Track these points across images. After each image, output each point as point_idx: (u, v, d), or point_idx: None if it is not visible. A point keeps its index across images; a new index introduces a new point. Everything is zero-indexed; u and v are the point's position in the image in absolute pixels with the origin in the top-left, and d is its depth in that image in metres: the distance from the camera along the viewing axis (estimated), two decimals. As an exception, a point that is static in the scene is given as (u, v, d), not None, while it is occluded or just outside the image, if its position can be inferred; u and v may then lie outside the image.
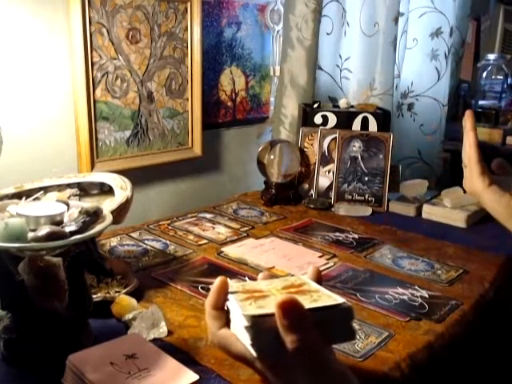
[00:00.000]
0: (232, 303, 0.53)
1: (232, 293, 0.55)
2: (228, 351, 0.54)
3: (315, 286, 0.56)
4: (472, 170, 0.80)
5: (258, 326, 0.48)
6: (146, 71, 1.29)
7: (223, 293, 0.55)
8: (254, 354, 0.49)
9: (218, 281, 0.56)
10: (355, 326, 0.52)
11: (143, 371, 0.65)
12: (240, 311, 0.49)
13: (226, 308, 0.55)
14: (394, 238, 1.21)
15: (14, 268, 0.67)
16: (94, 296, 0.80)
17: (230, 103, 1.57)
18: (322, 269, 0.97)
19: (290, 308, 0.46)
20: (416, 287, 0.96)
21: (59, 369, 0.65)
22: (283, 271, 1.00)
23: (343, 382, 0.49)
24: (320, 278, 0.59)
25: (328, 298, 0.52)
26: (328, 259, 1.08)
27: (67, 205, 0.73)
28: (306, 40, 1.54)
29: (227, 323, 0.55)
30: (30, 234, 0.64)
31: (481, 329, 0.91)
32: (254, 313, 0.49)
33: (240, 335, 0.51)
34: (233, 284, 0.57)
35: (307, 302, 0.49)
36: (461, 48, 2.02)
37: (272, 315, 0.47)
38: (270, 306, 0.49)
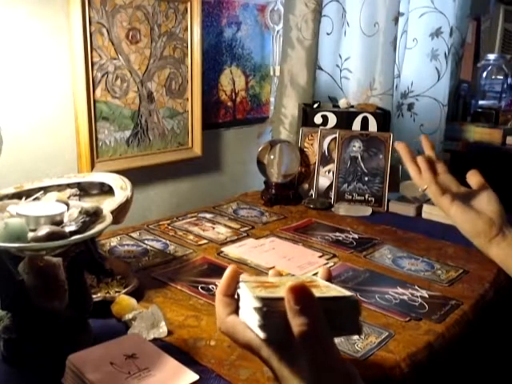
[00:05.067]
0: (243, 289, 0.54)
1: (243, 281, 0.56)
2: (235, 338, 0.55)
3: (325, 283, 0.57)
4: (432, 191, 0.80)
5: (267, 307, 0.49)
6: (145, 71, 1.29)
7: (234, 280, 0.56)
8: (261, 335, 0.49)
9: (229, 269, 0.56)
10: (361, 321, 0.52)
11: (143, 371, 0.65)
12: (250, 294, 0.50)
13: (236, 296, 0.56)
14: (394, 238, 1.21)
15: (14, 268, 0.67)
16: (94, 296, 0.80)
17: (229, 103, 1.57)
18: (322, 269, 0.97)
19: (300, 292, 0.47)
20: (416, 287, 0.96)
21: (59, 369, 0.65)
22: (283, 271, 1.00)
23: (346, 370, 0.49)
24: (330, 279, 0.60)
25: (337, 292, 0.53)
26: (328, 259, 1.08)
27: (67, 205, 0.73)
28: (305, 40, 1.54)
29: (236, 311, 0.55)
30: (30, 234, 0.64)
31: (481, 329, 0.91)
32: (264, 295, 0.49)
33: (248, 319, 0.52)
34: (244, 276, 0.58)
35: (316, 294, 0.50)
36: (461, 48, 2.02)
37: (281, 299, 0.48)
38: (279, 293, 0.50)
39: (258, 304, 0.49)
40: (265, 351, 0.51)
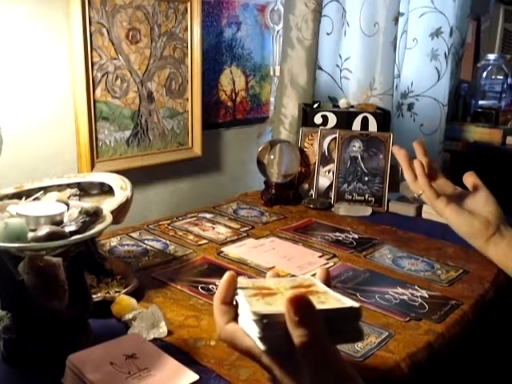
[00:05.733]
0: (240, 298, 0.54)
1: (241, 288, 0.55)
2: (235, 346, 0.54)
3: (323, 287, 0.56)
4: (427, 195, 0.81)
5: (267, 320, 0.48)
6: (145, 71, 1.29)
7: (232, 287, 0.55)
8: (261, 347, 0.49)
9: (226, 275, 0.56)
10: (362, 327, 0.52)
11: (143, 371, 0.65)
12: (248, 307, 0.50)
13: (234, 303, 0.56)
14: (394, 238, 1.21)
15: (14, 268, 0.67)
16: (93, 296, 0.80)
17: (229, 103, 1.57)
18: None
19: (300, 303, 0.47)
20: (416, 287, 0.96)
21: (59, 369, 0.65)
22: (283, 271, 1.00)
23: (349, 381, 0.49)
24: (329, 280, 0.60)
25: (336, 301, 0.52)
26: (328, 259, 1.08)
27: (67, 205, 0.73)
28: (306, 40, 1.54)
29: (235, 318, 0.55)
30: (30, 234, 0.64)
31: (481, 329, 0.91)
32: (262, 309, 0.49)
33: (248, 329, 0.51)
34: (241, 280, 0.57)
35: (315, 303, 0.50)
36: (461, 48, 2.02)
37: (280, 314, 0.48)
38: (277, 304, 0.50)
39: (256, 317, 0.48)
40: (266, 360, 0.51)
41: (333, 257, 1.09)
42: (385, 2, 1.63)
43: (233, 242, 1.16)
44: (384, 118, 1.49)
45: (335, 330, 0.49)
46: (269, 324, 0.48)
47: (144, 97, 1.30)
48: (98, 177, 1.01)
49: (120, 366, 0.65)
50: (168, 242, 1.15)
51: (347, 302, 0.51)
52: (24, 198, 0.84)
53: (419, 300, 0.91)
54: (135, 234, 1.18)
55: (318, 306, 0.49)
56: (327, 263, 1.05)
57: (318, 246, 1.15)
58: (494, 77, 2.45)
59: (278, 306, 0.49)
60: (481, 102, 2.42)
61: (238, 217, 1.33)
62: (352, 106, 1.57)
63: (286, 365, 0.50)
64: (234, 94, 1.58)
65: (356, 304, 0.51)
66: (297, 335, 0.46)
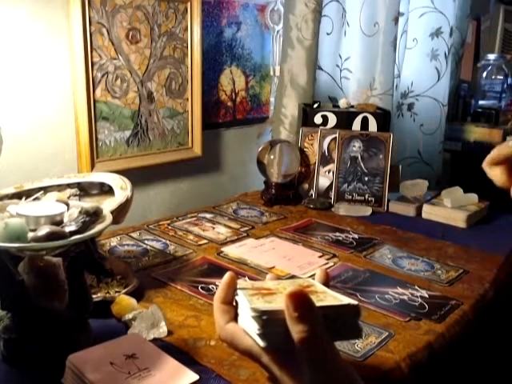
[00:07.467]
0: (240, 297, 0.54)
1: (240, 289, 0.56)
2: (234, 345, 0.55)
3: (322, 288, 0.57)
4: None
5: (266, 316, 0.49)
6: (146, 71, 1.29)
7: (232, 288, 0.56)
8: (260, 343, 0.49)
9: (226, 276, 0.56)
10: (360, 324, 0.52)
11: (143, 371, 0.65)
12: (248, 305, 0.50)
13: (234, 303, 0.56)
14: (394, 238, 1.21)
15: (14, 268, 0.67)
16: (93, 296, 0.80)
17: (230, 103, 1.57)
18: (322, 269, 0.97)
19: (299, 299, 0.47)
20: (416, 287, 0.96)
21: (59, 369, 0.65)
22: (283, 271, 1.00)
23: (347, 377, 0.49)
24: (328, 281, 0.60)
25: (333, 299, 0.52)
26: (328, 259, 1.08)
27: (67, 205, 0.73)
28: (305, 40, 1.54)
29: (235, 318, 0.55)
30: (30, 234, 0.64)
31: (481, 329, 0.91)
32: (262, 306, 0.49)
33: (247, 327, 0.52)
34: (241, 282, 0.58)
35: (314, 301, 0.50)
36: (461, 48, 2.02)
37: (279, 310, 0.48)
38: (277, 302, 0.50)
39: (256, 313, 0.49)
40: (265, 358, 0.51)
41: (333, 257, 1.09)
42: (385, 2, 1.63)
43: (233, 241, 1.16)
44: (384, 117, 1.49)
45: (334, 327, 0.50)
46: (268, 320, 0.48)
47: (144, 97, 1.30)
48: (97, 177, 1.01)
49: (120, 366, 0.65)
50: (168, 242, 1.15)
51: (345, 300, 0.52)
52: (24, 198, 0.84)
53: (419, 300, 0.91)
54: (135, 234, 1.18)
55: (317, 304, 0.49)
56: (327, 263, 1.05)
57: (318, 245, 1.15)
58: (494, 77, 2.45)
59: (278, 304, 0.50)
60: (481, 102, 2.42)
61: (238, 217, 1.33)
62: (352, 106, 1.57)
63: (285, 363, 0.50)
64: (234, 94, 1.58)
65: (354, 301, 0.51)
66: (296, 331, 0.47)
